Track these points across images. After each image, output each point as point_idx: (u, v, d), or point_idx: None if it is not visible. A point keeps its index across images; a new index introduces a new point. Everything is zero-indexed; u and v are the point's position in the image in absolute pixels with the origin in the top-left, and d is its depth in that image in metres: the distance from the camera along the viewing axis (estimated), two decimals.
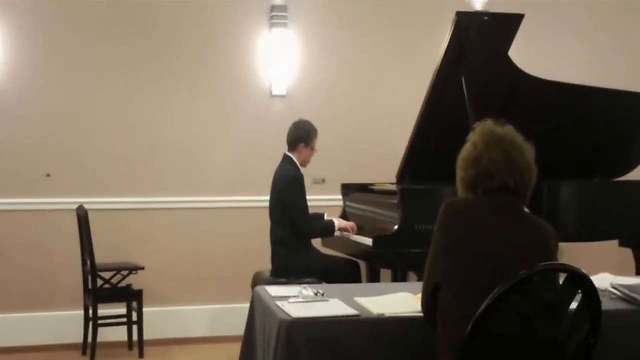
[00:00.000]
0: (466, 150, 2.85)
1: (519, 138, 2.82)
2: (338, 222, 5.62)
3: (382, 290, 3.42)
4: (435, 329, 2.76)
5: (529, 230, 2.75)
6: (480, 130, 2.86)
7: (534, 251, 2.67)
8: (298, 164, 5.62)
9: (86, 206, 5.95)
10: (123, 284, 6.00)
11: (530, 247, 2.69)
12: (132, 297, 5.95)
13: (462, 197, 2.86)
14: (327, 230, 5.62)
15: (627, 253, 5.74)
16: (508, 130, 2.84)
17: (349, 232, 5.57)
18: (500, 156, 2.76)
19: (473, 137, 2.86)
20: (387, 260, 5.23)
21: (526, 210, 2.84)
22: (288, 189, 5.51)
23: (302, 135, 5.63)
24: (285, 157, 5.66)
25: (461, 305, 2.58)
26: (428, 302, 2.79)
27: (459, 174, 2.86)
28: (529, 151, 2.82)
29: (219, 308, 6.57)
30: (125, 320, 6.01)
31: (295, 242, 5.50)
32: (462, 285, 2.63)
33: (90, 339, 5.84)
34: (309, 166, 5.74)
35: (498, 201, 2.77)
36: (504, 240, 2.68)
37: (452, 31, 5.05)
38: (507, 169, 2.75)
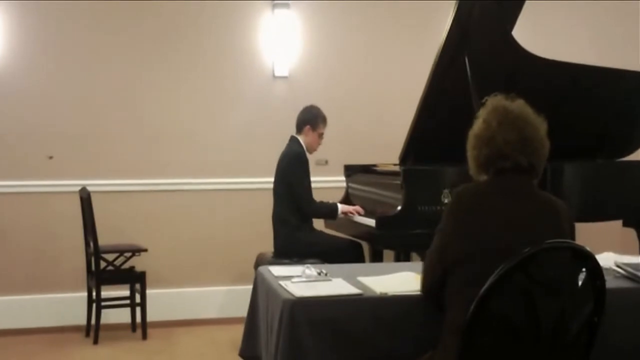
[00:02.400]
0: (478, 127, 2.80)
1: (531, 113, 2.78)
2: (341, 207, 5.61)
3: (385, 269, 3.41)
4: (439, 310, 2.76)
5: (541, 211, 2.73)
6: (492, 107, 2.80)
7: (546, 233, 2.65)
8: (304, 146, 5.61)
9: (89, 188, 5.95)
10: (126, 265, 6.02)
11: (543, 228, 2.68)
12: (135, 279, 5.96)
13: (473, 184, 2.83)
14: (329, 211, 5.61)
15: (631, 233, 5.73)
16: (520, 106, 2.79)
17: (353, 214, 5.55)
18: (514, 136, 2.72)
19: (484, 114, 2.80)
20: (389, 241, 5.23)
21: (537, 188, 2.82)
22: (291, 166, 5.51)
23: (309, 118, 5.64)
24: (292, 138, 5.68)
25: (470, 289, 2.56)
26: (433, 287, 2.79)
27: (471, 152, 2.82)
28: (542, 125, 2.78)
29: (222, 290, 6.58)
30: (128, 302, 6.02)
31: (298, 222, 5.51)
32: (472, 270, 2.61)
33: (93, 321, 5.86)
34: None
35: (510, 183, 2.74)
36: (516, 225, 2.67)
37: (454, 11, 5.02)
38: (521, 149, 2.72)
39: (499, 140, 2.73)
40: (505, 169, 2.74)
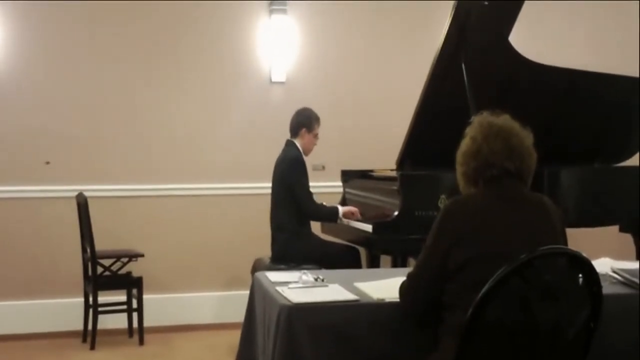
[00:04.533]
0: (465, 144, 2.85)
1: (516, 126, 2.83)
2: (342, 209, 5.61)
3: (382, 275, 3.41)
4: (421, 320, 2.81)
5: (535, 213, 2.76)
6: (478, 124, 2.85)
7: (542, 236, 2.67)
8: (301, 149, 5.62)
9: (86, 193, 5.95)
10: (123, 271, 6.01)
11: (539, 232, 2.70)
12: (132, 284, 5.96)
13: (462, 196, 2.86)
14: (331, 214, 5.60)
15: (627, 238, 5.74)
16: (505, 119, 2.84)
17: (354, 216, 5.54)
18: (499, 146, 2.76)
19: (471, 131, 2.85)
20: (386, 246, 5.23)
21: (527, 190, 2.84)
22: (290, 170, 5.52)
23: (303, 121, 5.65)
24: (288, 142, 5.69)
25: (471, 294, 2.55)
26: (425, 298, 2.79)
27: (460, 169, 2.86)
28: (528, 137, 2.83)
29: (219, 295, 6.58)
30: (125, 307, 6.03)
31: (295, 227, 5.51)
32: (472, 275, 2.61)
33: (90, 326, 5.85)
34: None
35: (501, 188, 2.77)
36: (513, 229, 2.69)
37: (451, 16, 5.03)
38: (507, 157, 2.75)
39: (484, 151, 2.77)
40: (494, 177, 2.76)
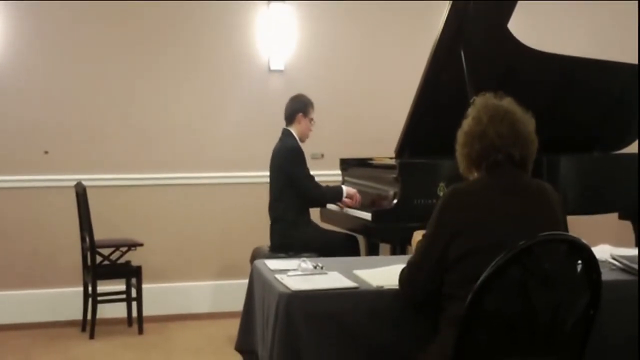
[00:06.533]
0: (468, 124, 2.81)
1: (519, 110, 2.81)
2: (346, 188, 5.62)
3: (381, 263, 3.41)
4: (420, 308, 2.81)
5: (536, 202, 2.75)
6: (482, 104, 2.82)
7: (544, 225, 2.65)
8: (297, 137, 5.61)
9: (84, 183, 5.94)
10: (122, 260, 6.02)
11: (540, 221, 2.69)
12: (131, 274, 5.97)
13: (463, 183, 2.84)
14: (335, 193, 5.61)
15: (627, 225, 5.74)
16: (509, 103, 2.81)
17: (354, 200, 5.55)
18: (506, 129, 2.73)
19: (474, 112, 2.82)
20: (385, 234, 5.23)
21: (529, 178, 2.83)
22: (288, 159, 5.51)
23: (299, 106, 5.64)
24: (284, 131, 5.66)
25: (471, 284, 2.55)
26: (426, 288, 2.78)
27: (462, 149, 2.83)
28: (530, 122, 2.81)
29: (218, 284, 6.58)
30: (124, 296, 6.04)
31: (294, 216, 5.50)
32: (473, 265, 2.60)
33: (89, 316, 5.86)
34: (308, 141, 5.72)
35: (504, 177, 2.76)
36: (514, 218, 2.67)
37: (450, 5, 5.01)
38: (513, 142, 2.74)
39: (491, 134, 2.74)
40: (497, 162, 2.74)
